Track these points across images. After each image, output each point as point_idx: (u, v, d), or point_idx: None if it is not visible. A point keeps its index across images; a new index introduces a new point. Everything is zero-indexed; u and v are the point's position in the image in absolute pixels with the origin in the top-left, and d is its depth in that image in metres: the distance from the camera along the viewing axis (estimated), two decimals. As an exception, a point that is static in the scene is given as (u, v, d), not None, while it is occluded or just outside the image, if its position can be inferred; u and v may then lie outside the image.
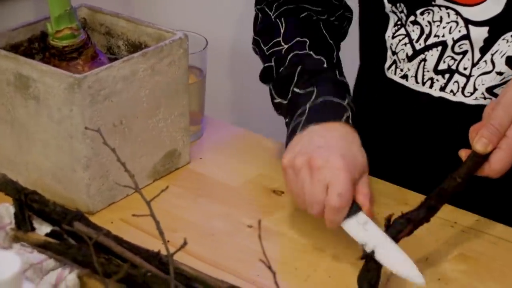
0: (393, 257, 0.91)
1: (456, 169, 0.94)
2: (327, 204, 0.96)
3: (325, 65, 1.11)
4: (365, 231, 0.95)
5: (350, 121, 1.04)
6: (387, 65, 1.15)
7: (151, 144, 1.13)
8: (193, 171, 1.18)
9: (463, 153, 0.96)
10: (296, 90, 1.09)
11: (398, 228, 0.93)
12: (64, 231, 0.96)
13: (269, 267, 0.75)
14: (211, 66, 1.32)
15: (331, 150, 0.98)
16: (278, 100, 1.13)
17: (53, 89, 1.03)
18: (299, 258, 1.00)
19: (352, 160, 0.98)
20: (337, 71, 1.11)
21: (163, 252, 0.89)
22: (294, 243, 1.03)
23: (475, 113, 1.03)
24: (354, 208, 0.96)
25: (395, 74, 1.14)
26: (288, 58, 1.12)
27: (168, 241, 0.89)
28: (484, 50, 1.07)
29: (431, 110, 1.11)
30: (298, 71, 1.10)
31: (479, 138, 0.93)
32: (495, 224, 1.05)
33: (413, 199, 1.05)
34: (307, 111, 1.05)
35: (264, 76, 1.17)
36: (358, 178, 0.98)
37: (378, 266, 0.91)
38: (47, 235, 0.97)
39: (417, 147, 1.16)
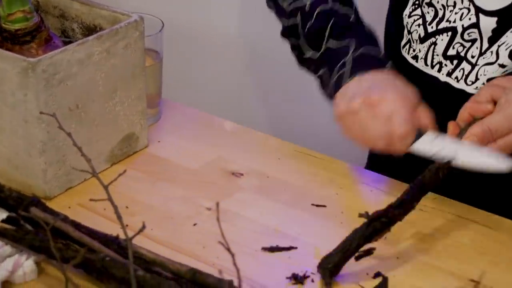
0: (475, 156, 0.95)
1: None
2: (394, 133, 1.00)
3: (351, 20, 1.12)
4: (436, 146, 0.98)
5: (393, 68, 1.07)
6: (403, 43, 1.17)
7: (108, 128, 1.12)
8: (151, 154, 1.17)
9: (451, 127, 1.00)
10: (330, 43, 1.10)
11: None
12: (21, 217, 0.95)
13: (228, 249, 0.75)
14: (168, 48, 1.31)
15: (383, 86, 1.02)
16: (309, 54, 1.13)
17: (6, 73, 1.01)
18: (259, 239, 1.00)
19: (404, 91, 1.02)
20: (364, 25, 1.13)
21: (122, 236, 0.88)
22: (254, 225, 1.03)
23: None
24: (417, 133, 1.00)
25: (408, 53, 1.16)
26: (315, 14, 1.13)
27: (127, 225, 0.88)
28: (492, 41, 1.08)
29: (436, 94, 1.12)
30: (330, 25, 1.11)
31: (471, 135, 0.97)
32: (452, 201, 1.06)
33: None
34: (349, 62, 1.07)
35: (288, 33, 1.16)
36: (415, 106, 1.02)
37: (384, 224, 0.93)
38: (3, 221, 0.95)
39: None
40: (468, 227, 1.02)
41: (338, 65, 1.08)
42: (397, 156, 1.03)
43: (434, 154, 0.98)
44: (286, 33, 1.16)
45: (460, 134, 0.98)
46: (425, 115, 1.02)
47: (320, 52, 1.11)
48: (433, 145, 0.99)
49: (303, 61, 1.15)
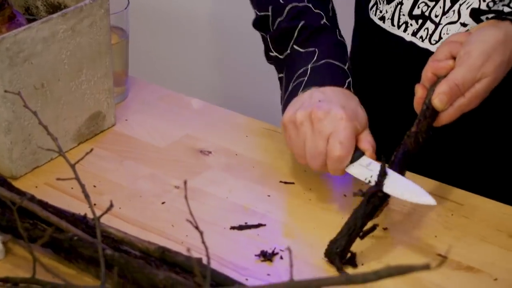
0: (400, 186, 0.94)
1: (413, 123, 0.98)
2: (329, 154, 0.97)
3: (324, 21, 1.10)
4: (370, 171, 0.97)
5: (351, 87, 1.05)
6: (370, 5, 1.16)
7: (74, 107, 1.11)
8: (118, 133, 1.16)
9: (419, 90, 0.99)
10: (296, 47, 1.09)
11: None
12: (-13, 197, 0.94)
13: (197, 227, 0.75)
14: (134, 25, 1.30)
15: (332, 103, 1.00)
16: (274, 53, 1.12)
17: (-30, 52, 1.00)
18: (227, 217, 1.00)
19: (353, 112, 1.00)
20: (337, 30, 1.11)
21: (90, 215, 0.88)
22: (222, 203, 1.03)
23: None
24: (356, 154, 0.98)
25: (375, 15, 1.15)
26: (286, 10, 1.11)
27: (95, 204, 0.88)
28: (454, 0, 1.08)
29: (402, 54, 1.12)
30: (298, 27, 1.09)
31: (439, 95, 0.96)
32: (419, 177, 1.07)
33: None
34: (308, 72, 1.05)
35: (259, 24, 1.15)
36: (360, 130, 1.00)
37: (382, 200, 0.94)
38: (-32, 202, 0.94)
39: (390, 91, 1.16)
40: (435, 202, 1.02)
41: (298, 73, 1.06)
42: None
43: (366, 179, 0.96)
44: (257, 24, 1.15)
45: (428, 95, 0.98)
46: (366, 140, 1.00)
47: (285, 55, 1.10)
48: (363, 171, 0.97)
49: (269, 57, 1.15)
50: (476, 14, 1.06)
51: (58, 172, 1.04)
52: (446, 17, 1.08)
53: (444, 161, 1.16)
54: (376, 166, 0.97)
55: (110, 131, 1.16)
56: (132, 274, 0.84)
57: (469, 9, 1.07)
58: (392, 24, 1.13)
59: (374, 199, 0.94)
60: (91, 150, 0.92)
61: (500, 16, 1.02)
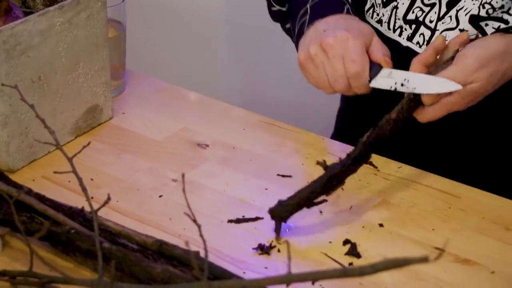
0: (426, 81, 0.98)
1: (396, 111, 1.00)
2: (347, 74, 1.02)
3: None
4: (392, 79, 1.01)
5: (350, 12, 1.09)
6: (366, 7, 1.17)
7: (71, 100, 1.11)
8: (116, 126, 1.16)
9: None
10: None
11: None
12: (-16, 190, 0.94)
13: (194, 220, 0.75)
14: (131, 18, 1.30)
15: (336, 28, 1.04)
16: (277, 7, 1.17)
17: (-34, 45, 1.00)
18: (225, 210, 1.00)
19: (357, 29, 1.04)
20: None
21: (87, 208, 0.88)
22: (220, 196, 1.03)
23: None
24: (375, 68, 1.02)
25: (372, 18, 1.16)
26: None
27: (92, 197, 0.88)
28: (450, 5, 1.08)
29: (399, 59, 1.12)
30: None
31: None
32: (416, 170, 1.07)
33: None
34: (309, 10, 1.09)
35: None
36: (368, 42, 1.04)
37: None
38: (-34, 195, 0.94)
39: (387, 95, 1.16)
40: (432, 195, 1.03)
41: (300, 13, 1.10)
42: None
43: (391, 87, 1.01)
44: None
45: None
46: (378, 50, 1.03)
47: (286, 6, 1.14)
48: (390, 79, 1.01)
49: (272, 13, 1.19)
50: (475, 21, 1.06)
51: (55, 166, 1.04)
52: (442, 23, 1.08)
53: (441, 154, 1.16)
54: (397, 74, 1.01)
55: (108, 125, 1.16)
56: (130, 267, 0.84)
57: (468, 15, 1.07)
58: (389, 28, 1.14)
59: (333, 177, 0.95)
60: (89, 143, 0.92)
61: (507, 30, 1.02)
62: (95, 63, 1.12)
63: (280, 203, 0.95)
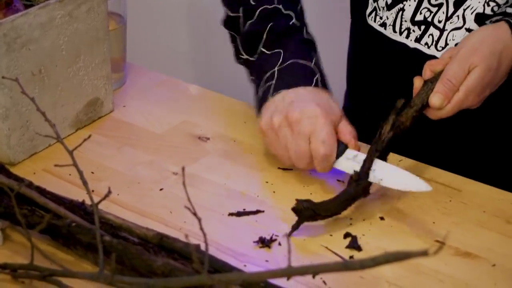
0: (393, 176, 0.96)
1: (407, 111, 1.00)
2: (314, 154, 0.98)
3: (293, 21, 1.10)
4: (357, 163, 0.98)
5: (320, 83, 1.05)
6: (368, 11, 1.15)
7: (72, 93, 1.11)
8: (116, 119, 1.16)
9: (417, 81, 1.01)
10: (263, 49, 1.09)
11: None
12: (-15, 183, 0.94)
13: (195, 214, 0.75)
14: (132, 11, 1.30)
15: (305, 101, 1.00)
16: (245, 56, 1.12)
17: (-33, 38, 1.00)
18: (225, 204, 1.00)
19: (327, 106, 1.00)
20: (304, 28, 1.11)
21: (88, 202, 0.88)
22: (220, 189, 1.03)
23: None
24: (341, 148, 0.99)
25: (374, 21, 1.14)
26: (257, 12, 1.10)
27: (93, 190, 0.88)
28: (457, 4, 1.08)
29: (406, 61, 1.12)
30: (266, 30, 1.09)
31: (436, 94, 0.98)
32: (417, 163, 1.07)
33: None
34: (276, 74, 1.05)
35: (230, 24, 1.14)
36: (337, 122, 1.01)
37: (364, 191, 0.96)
38: (-34, 188, 0.94)
39: (394, 98, 1.16)
40: (433, 188, 1.02)
41: (266, 76, 1.06)
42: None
43: (355, 171, 0.97)
44: (228, 24, 1.15)
45: (425, 86, 1.00)
46: (346, 130, 1.01)
47: (254, 57, 1.10)
48: (351, 165, 0.98)
49: (239, 59, 1.14)
50: (481, 19, 1.06)
51: (56, 159, 1.04)
52: (451, 23, 1.08)
53: (442, 147, 1.16)
54: (362, 157, 0.98)
55: (108, 118, 1.16)
56: (130, 261, 0.84)
57: (474, 14, 1.06)
58: (394, 31, 1.12)
59: (358, 189, 0.95)
60: (89, 136, 0.92)
61: (506, 16, 1.02)
62: (95, 56, 1.12)
63: (315, 205, 0.93)
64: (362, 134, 1.10)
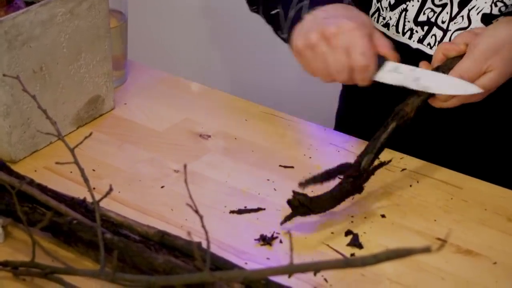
0: (440, 81, 0.97)
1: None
2: (354, 66, 0.99)
3: None
4: (400, 74, 0.98)
5: (351, 2, 1.06)
6: (371, 12, 1.15)
7: (73, 90, 1.11)
8: (118, 116, 1.16)
9: (424, 66, 1.01)
10: None
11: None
12: (-14, 181, 0.94)
13: (196, 211, 0.75)
14: (133, 9, 1.30)
15: (338, 17, 1.01)
16: None
17: (-32, 35, 1.00)
18: (226, 201, 1.00)
19: (359, 20, 1.01)
20: None
21: (89, 199, 0.88)
22: (221, 187, 1.03)
23: None
24: (380, 61, 1.00)
25: (377, 22, 1.14)
26: None
27: (94, 188, 0.88)
28: (462, 5, 1.07)
29: (409, 62, 1.11)
30: None
31: None
32: (418, 161, 1.07)
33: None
34: None
35: None
36: (372, 35, 1.01)
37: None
38: (-32, 185, 0.94)
39: (395, 98, 1.16)
40: (434, 186, 1.03)
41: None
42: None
43: (401, 83, 0.98)
44: None
45: (435, 70, 1.00)
46: (382, 43, 1.01)
47: None
48: (394, 76, 0.99)
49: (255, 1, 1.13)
50: (488, 19, 1.06)
51: (57, 156, 1.04)
52: (454, 23, 1.08)
53: (443, 145, 1.16)
54: (404, 68, 0.99)
55: (109, 115, 1.16)
56: (132, 258, 0.84)
57: (480, 14, 1.06)
58: (397, 31, 1.12)
59: (347, 184, 0.95)
60: (90, 134, 0.92)
61: None
62: (96, 54, 1.12)
63: (311, 199, 0.94)
64: (358, 135, 1.10)
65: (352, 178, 0.96)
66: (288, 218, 0.94)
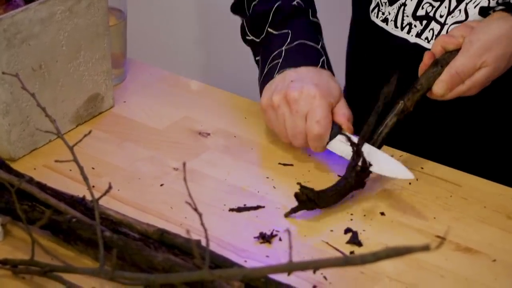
0: (381, 162, 0.98)
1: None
2: (308, 132, 1.01)
3: (296, 1, 1.11)
4: (348, 147, 0.99)
5: (326, 65, 1.07)
6: (371, 7, 1.15)
7: (72, 88, 1.10)
8: (117, 115, 1.16)
9: (427, 56, 1.01)
10: (270, 30, 1.11)
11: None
12: (-15, 179, 0.94)
13: (196, 209, 0.75)
14: (132, 7, 1.29)
15: (304, 81, 1.03)
16: (251, 37, 1.14)
17: (-33, 34, 1.00)
18: (226, 199, 1.00)
19: (326, 87, 1.03)
20: (310, 10, 1.12)
21: (88, 197, 0.88)
22: (221, 185, 1.03)
23: None
24: (335, 130, 1.02)
25: (377, 17, 1.14)
26: None
27: (93, 186, 0.88)
28: None
29: (407, 56, 1.11)
30: (272, 10, 1.11)
31: (441, 82, 0.99)
32: (417, 158, 1.07)
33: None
34: (283, 54, 1.07)
35: (236, 8, 1.17)
36: (334, 103, 1.03)
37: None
38: (-33, 184, 0.94)
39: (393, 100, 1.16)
40: (434, 184, 1.03)
41: (273, 55, 1.08)
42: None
43: (345, 155, 1.00)
44: (235, 8, 1.17)
45: (433, 69, 1.00)
46: (342, 113, 1.03)
47: (261, 38, 1.12)
48: (344, 147, 1.01)
49: (245, 40, 1.16)
50: (485, 12, 1.06)
51: (57, 154, 1.04)
52: (452, 17, 1.08)
53: (443, 142, 1.16)
54: (354, 140, 0.99)
55: (109, 113, 1.16)
56: (131, 256, 0.84)
57: (478, 7, 1.06)
58: (396, 26, 1.12)
59: (351, 179, 0.97)
60: (90, 132, 0.92)
61: (509, 8, 1.02)
62: (96, 52, 1.12)
63: (318, 193, 0.95)
64: (360, 128, 1.10)
65: (357, 173, 0.96)
66: (294, 211, 0.96)
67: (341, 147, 1.01)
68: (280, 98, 1.02)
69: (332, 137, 1.02)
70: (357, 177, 0.97)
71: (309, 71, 1.05)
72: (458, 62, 0.99)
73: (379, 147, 1.01)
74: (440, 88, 0.99)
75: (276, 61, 1.07)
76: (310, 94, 1.01)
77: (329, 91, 1.03)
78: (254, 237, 0.94)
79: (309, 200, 0.95)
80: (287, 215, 0.96)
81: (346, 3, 1.25)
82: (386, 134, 1.01)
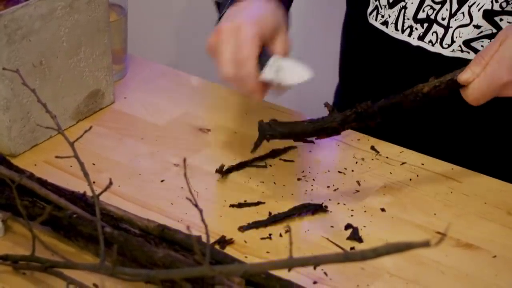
0: (291, 70, 0.97)
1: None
2: (232, 59, 0.97)
3: None
4: (280, 69, 0.97)
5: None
6: (369, 10, 1.15)
7: (73, 84, 1.10)
8: (117, 111, 1.16)
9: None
10: None
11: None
12: (-14, 175, 0.94)
13: (196, 205, 0.75)
14: (132, 3, 1.29)
15: (237, 15, 1.00)
16: None
17: (-33, 29, 1.00)
18: (226, 195, 1.00)
19: (260, 17, 0.99)
20: None
21: (89, 193, 0.88)
22: (221, 181, 1.03)
23: (451, 65, 1.03)
24: (265, 58, 0.98)
25: (376, 20, 1.14)
26: None
27: (94, 182, 0.88)
28: (461, 1, 1.07)
29: (409, 59, 1.11)
30: None
31: (467, 71, 0.95)
32: (418, 154, 1.07)
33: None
34: None
35: None
36: (271, 34, 0.99)
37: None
38: (-32, 180, 0.94)
39: (383, 74, 1.16)
40: (434, 180, 1.03)
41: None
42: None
43: (279, 80, 0.97)
44: None
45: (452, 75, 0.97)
46: (280, 44, 0.99)
47: None
48: (273, 71, 0.98)
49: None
50: (489, 16, 1.05)
51: (57, 150, 1.04)
52: (455, 20, 1.07)
53: (443, 138, 1.16)
54: (285, 62, 0.97)
55: (109, 109, 1.16)
56: (132, 252, 0.84)
57: (481, 10, 1.06)
58: (396, 29, 1.12)
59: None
60: (90, 128, 0.92)
61: None
62: (96, 48, 1.12)
63: (272, 123, 0.96)
64: (355, 128, 1.10)
65: (358, 112, 0.96)
66: (255, 144, 0.96)
67: (272, 73, 0.97)
68: (213, 35, 1.01)
69: (263, 64, 0.98)
70: (357, 113, 0.95)
71: (248, 4, 1.02)
72: (481, 83, 0.95)
73: (393, 105, 0.97)
74: (464, 77, 0.94)
75: (227, 2, 1.05)
76: (236, 23, 0.98)
77: (262, 21, 0.99)
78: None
79: (270, 128, 0.95)
80: (252, 151, 0.96)
81: (340, 1, 1.25)
82: (400, 98, 0.97)
